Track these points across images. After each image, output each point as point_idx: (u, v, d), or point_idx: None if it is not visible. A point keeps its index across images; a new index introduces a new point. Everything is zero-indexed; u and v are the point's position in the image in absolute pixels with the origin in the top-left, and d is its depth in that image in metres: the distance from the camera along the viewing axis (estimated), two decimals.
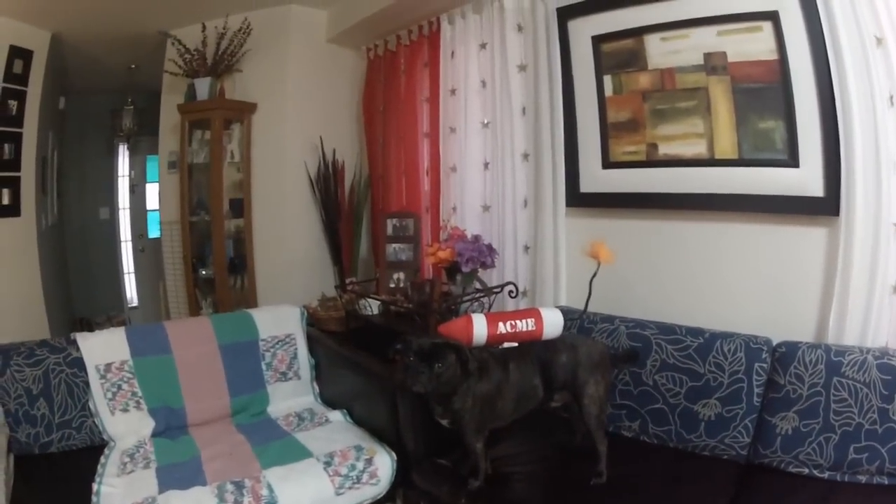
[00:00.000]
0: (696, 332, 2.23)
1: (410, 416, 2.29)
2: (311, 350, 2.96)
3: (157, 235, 5.46)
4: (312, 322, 3.15)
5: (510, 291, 2.85)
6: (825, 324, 2.11)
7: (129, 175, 6.58)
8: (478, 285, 2.87)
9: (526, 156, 3.02)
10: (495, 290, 2.89)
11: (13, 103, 3.87)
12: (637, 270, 2.63)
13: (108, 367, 2.47)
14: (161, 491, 2.00)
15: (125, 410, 2.46)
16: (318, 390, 2.92)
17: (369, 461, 2.25)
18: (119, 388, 2.46)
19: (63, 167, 5.35)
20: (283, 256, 4.19)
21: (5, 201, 3.90)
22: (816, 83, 2.07)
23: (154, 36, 4.33)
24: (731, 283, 2.39)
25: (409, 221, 3.43)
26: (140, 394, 2.50)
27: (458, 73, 3.36)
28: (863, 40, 1.95)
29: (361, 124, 4.31)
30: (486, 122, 3.26)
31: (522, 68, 3.01)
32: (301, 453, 2.29)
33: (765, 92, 2.20)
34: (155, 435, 2.47)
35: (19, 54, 3.85)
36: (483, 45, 3.22)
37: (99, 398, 2.42)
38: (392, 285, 3.34)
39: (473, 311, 2.78)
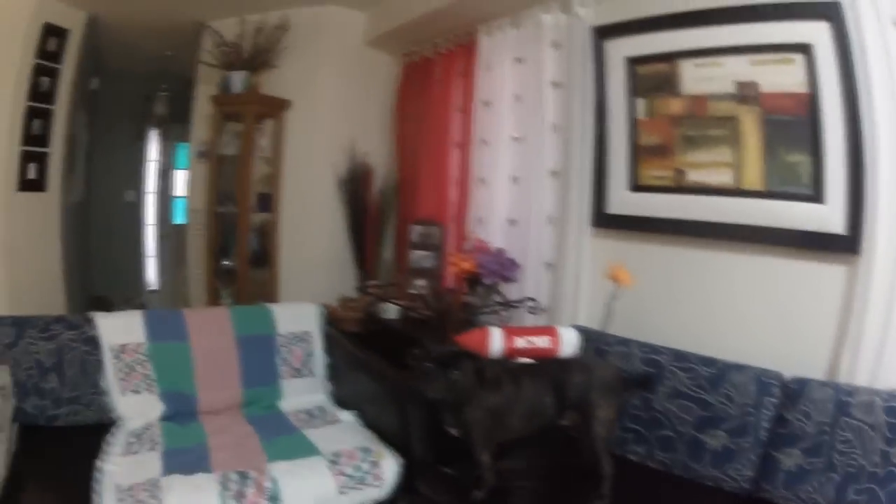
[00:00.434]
0: (708, 361, 2.22)
1: (420, 422, 2.30)
2: (328, 349, 2.96)
3: (181, 222, 5.51)
4: (330, 321, 3.17)
5: (529, 307, 2.85)
6: (838, 362, 2.09)
7: (158, 161, 6.66)
8: (498, 298, 2.88)
9: (555, 173, 3.03)
10: (514, 304, 2.89)
11: (45, 80, 3.91)
12: (655, 295, 2.62)
13: (123, 347, 2.50)
14: (165, 474, 2.01)
15: (136, 392, 2.48)
16: (331, 389, 2.93)
17: (375, 464, 2.25)
18: (132, 369, 2.49)
19: (92, 147, 5.40)
20: (306, 253, 4.22)
21: (31, 175, 3.94)
22: (845, 120, 2.06)
23: (191, 24, 4.38)
24: (747, 314, 2.38)
25: (434, 230, 3.45)
26: (153, 377, 2.52)
27: (493, 86, 3.38)
28: (893, 78, 1.95)
29: (393, 129, 4.34)
30: (517, 136, 3.26)
31: (557, 85, 3.02)
32: (308, 450, 2.29)
33: (794, 125, 2.20)
34: (164, 419, 2.49)
35: (54, 32, 3.89)
36: (519, 60, 3.23)
37: (111, 377, 2.45)
38: (413, 291, 3.36)
39: (492, 324, 2.80)
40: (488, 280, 2.76)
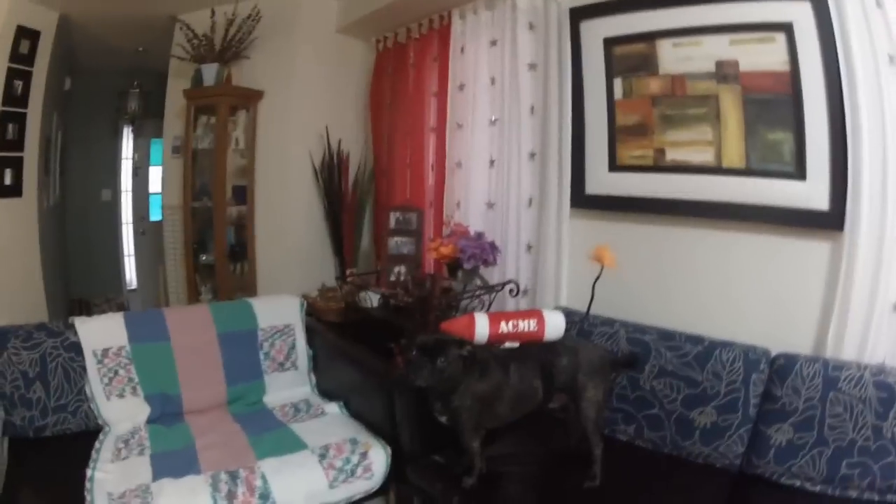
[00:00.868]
0: (695, 339, 2.24)
1: (407, 411, 2.29)
2: (310, 341, 2.95)
3: (158, 219, 5.44)
4: (311, 312, 3.14)
5: (511, 290, 2.84)
6: (824, 338, 2.11)
7: (133, 158, 6.57)
8: (479, 282, 2.87)
9: (532, 155, 3.01)
10: (496, 287, 2.88)
11: (18, 83, 3.83)
12: (639, 275, 2.62)
13: (105, 352, 2.46)
14: (155, 478, 2.01)
15: (121, 396, 2.45)
16: (315, 381, 2.92)
17: (364, 455, 2.25)
18: (116, 373, 2.46)
19: (67, 148, 5.33)
20: (284, 244, 4.18)
21: (7, 181, 3.86)
22: (827, 97, 2.06)
23: (163, 19, 4.31)
24: (733, 292, 2.39)
25: (412, 215, 3.41)
26: (136, 380, 2.49)
27: (468, 69, 3.34)
28: (876, 58, 1.95)
29: (368, 116, 4.29)
30: (493, 119, 3.24)
31: (532, 67, 2.99)
32: (296, 445, 2.29)
33: (775, 103, 2.20)
34: (150, 421, 2.46)
35: (27, 34, 3.81)
36: (494, 42, 3.19)
37: (95, 383, 2.42)
38: (392, 279, 3.33)
39: (473, 308, 2.79)
40: (469, 264, 2.74)
